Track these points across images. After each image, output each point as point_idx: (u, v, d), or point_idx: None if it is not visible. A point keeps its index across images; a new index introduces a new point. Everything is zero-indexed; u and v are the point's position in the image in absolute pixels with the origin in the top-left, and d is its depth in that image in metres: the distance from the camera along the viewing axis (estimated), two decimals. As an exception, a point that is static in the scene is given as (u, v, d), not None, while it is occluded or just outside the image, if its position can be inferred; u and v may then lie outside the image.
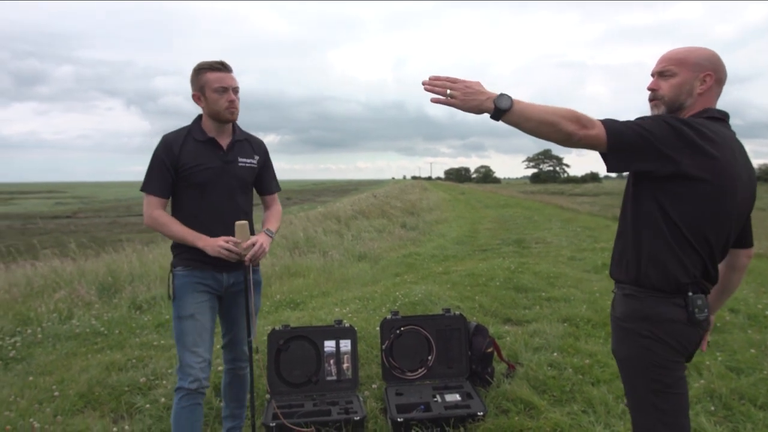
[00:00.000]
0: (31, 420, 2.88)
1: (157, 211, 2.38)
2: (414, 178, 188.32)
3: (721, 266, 1.89)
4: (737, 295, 5.92)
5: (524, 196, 38.99)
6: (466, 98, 1.60)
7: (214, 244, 2.30)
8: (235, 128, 2.51)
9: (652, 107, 1.78)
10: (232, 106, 2.35)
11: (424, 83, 1.65)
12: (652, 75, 1.79)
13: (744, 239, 1.85)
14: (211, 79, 2.33)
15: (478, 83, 1.62)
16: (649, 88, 1.80)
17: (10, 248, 8.81)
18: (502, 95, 1.56)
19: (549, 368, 3.68)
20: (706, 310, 1.66)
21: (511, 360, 3.78)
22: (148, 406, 3.07)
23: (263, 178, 2.59)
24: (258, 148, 2.56)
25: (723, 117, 1.71)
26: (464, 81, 1.62)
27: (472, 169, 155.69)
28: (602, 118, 1.58)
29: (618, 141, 1.56)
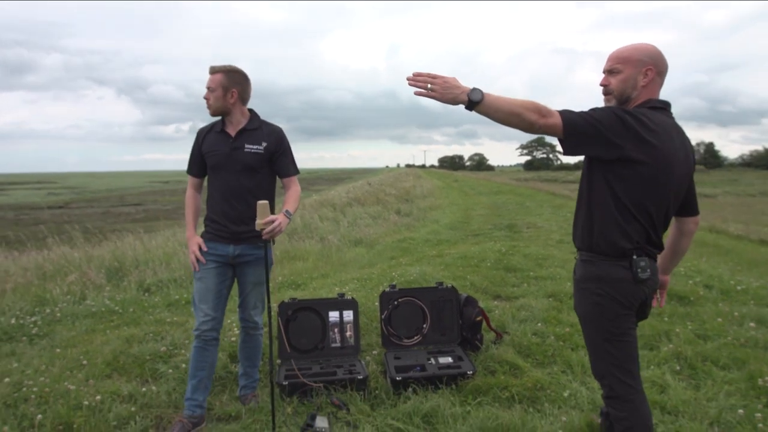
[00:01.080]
0: (66, 383, 3.19)
1: (189, 191, 2.93)
2: (408, 166, 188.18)
3: (672, 232, 2.23)
4: (713, 272, 6.32)
5: (517, 183, 39.38)
6: (444, 91, 1.89)
7: (191, 245, 2.85)
8: (252, 118, 2.85)
9: (606, 101, 2.09)
10: (208, 103, 2.80)
11: (408, 79, 1.94)
12: (604, 72, 2.10)
13: (689, 208, 2.18)
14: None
15: (454, 79, 1.91)
16: (601, 84, 2.11)
17: (18, 236, 9.05)
18: (474, 89, 1.86)
19: (533, 336, 4.03)
20: (648, 270, 1.98)
21: (499, 329, 4.13)
22: (170, 371, 3.40)
23: (279, 163, 2.90)
24: (269, 135, 2.86)
25: (664, 106, 2.02)
26: (443, 77, 1.90)
27: (466, 157, 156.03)
28: (560, 109, 1.88)
29: (572, 129, 1.86)
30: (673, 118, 2.04)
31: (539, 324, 4.30)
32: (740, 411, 2.85)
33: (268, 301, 2.75)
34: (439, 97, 1.90)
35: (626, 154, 1.87)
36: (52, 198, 43.68)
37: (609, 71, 2.06)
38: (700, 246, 9.12)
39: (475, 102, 1.85)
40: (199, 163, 2.91)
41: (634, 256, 1.97)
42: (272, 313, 2.73)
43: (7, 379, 3.28)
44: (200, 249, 2.83)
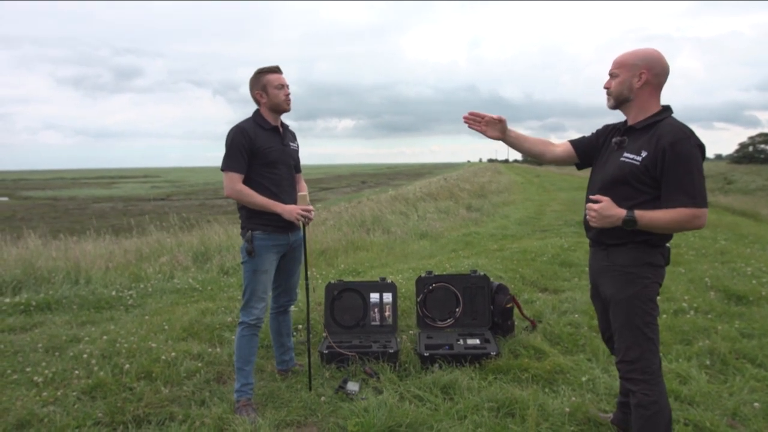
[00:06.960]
0: (150, 342, 3.83)
1: (239, 185, 2.90)
2: (490, 160, 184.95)
3: (553, 147, 2.60)
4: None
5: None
6: (602, 220, 2.18)
7: (291, 211, 2.91)
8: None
9: (607, 101, 2.31)
10: (289, 98, 3.01)
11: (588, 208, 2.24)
12: (608, 75, 2.30)
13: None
14: (271, 79, 2.97)
15: (606, 207, 2.16)
16: (604, 87, 2.32)
17: (125, 224, 10.28)
18: (626, 219, 2.11)
19: (567, 326, 4.18)
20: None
21: (534, 318, 4.31)
22: (233, 337, 3.93)
23: (298, 159, 3.24)
24: (293, 135, 3.23)
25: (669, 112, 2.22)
26: (595, 208, 2.19)
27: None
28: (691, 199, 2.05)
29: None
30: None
31: (576, 315, 4.43)
32: (756, 404, 2.90)
33: (307, 277, 3.20)
34: (599, 225, 2.20)
35: None
36: (155, 191, 47.78)
37: (611, 74, 2.28)
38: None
39: (629, 225, 2.12)
40: (247, 160, 2.91)
41: (666, 244, 2.23)
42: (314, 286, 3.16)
43: (105, 337, 3.99)
44: (260, 241, 2.94)
